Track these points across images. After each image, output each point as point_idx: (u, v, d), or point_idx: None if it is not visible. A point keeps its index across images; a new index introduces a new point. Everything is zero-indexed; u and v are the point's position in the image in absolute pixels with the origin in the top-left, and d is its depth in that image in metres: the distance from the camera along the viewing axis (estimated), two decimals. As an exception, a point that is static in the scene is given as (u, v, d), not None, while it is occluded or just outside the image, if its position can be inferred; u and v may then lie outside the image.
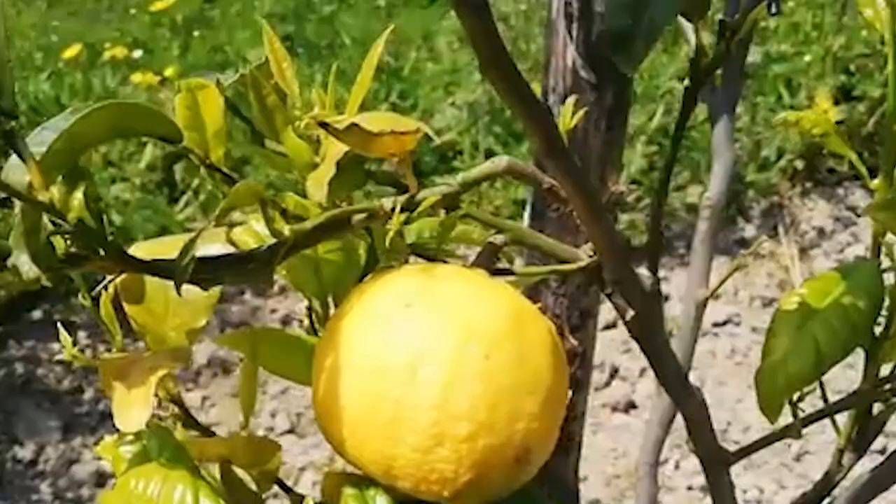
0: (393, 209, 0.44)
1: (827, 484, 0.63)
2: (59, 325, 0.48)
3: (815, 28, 3.12)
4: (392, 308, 0.43)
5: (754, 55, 2.98)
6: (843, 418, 0.62)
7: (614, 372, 2.26)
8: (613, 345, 2.26)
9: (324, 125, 0.41)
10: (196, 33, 3.51)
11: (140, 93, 2.89)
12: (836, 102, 2.95)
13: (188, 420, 0.48)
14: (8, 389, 2.12)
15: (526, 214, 0.89)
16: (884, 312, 0.52)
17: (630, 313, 0.51)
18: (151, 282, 0.46)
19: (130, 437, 0.44)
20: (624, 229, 2.63)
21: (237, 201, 0.39)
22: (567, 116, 0.47)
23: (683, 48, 3.04)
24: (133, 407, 0.39)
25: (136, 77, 2.96)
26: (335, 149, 0.44)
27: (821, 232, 2.72)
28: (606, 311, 2.46)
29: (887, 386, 0.55)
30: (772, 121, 0.55)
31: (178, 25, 3.58)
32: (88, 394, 2.18)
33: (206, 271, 0.42)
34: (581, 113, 0.47)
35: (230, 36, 3.47)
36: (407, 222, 0.45)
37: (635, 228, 2.61)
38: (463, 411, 0.41)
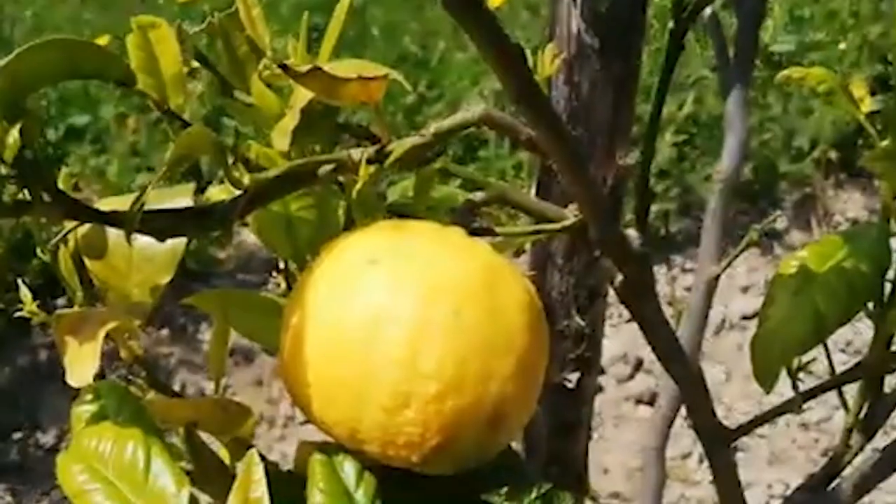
0: (362, 160, 0.42)
1: (834, 466, 0.60)
2: (18, 280, 0.46)
3: (851, 16, 3.05)
4: (357, 264, 0.41)
5: (789, 44, 2.93)
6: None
7: (638, 365, 2.23)
8: (638, 337, 2.23)
9: (284, 68, 0.39)
10: (224, 24, 3.51)
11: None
12: (873, 93, 2.88)
13: (156, 382, 0.46)
14: (32, 376, 2.13)
15: (533, 189, 0.86)
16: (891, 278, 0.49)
17: (619, 277, 0.48)
18: (114, 237, 0.45)
19: (90, 397, 0.42)
20: (653, 220, 2.59)
21: (189, 148, 0.37)
22: (547, 65, 0.45)
23: (715, 37, 2.98)
24: (82, 361, 0.37)
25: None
26: (302, 97, 0.42)
27: (854, 224, 2.66)
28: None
29: (897, 359, 0.52)
30: (777, 78, 0.52)
31: (206, 16, 3.59)
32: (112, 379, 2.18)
33: (164, 223, 0.40)
34: (559, 61, 0.45)
35: (258, 27, 3.46)
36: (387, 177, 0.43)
37: (665, 218, 2.56)
38: (430, 370, 0.39)
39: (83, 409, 0.41)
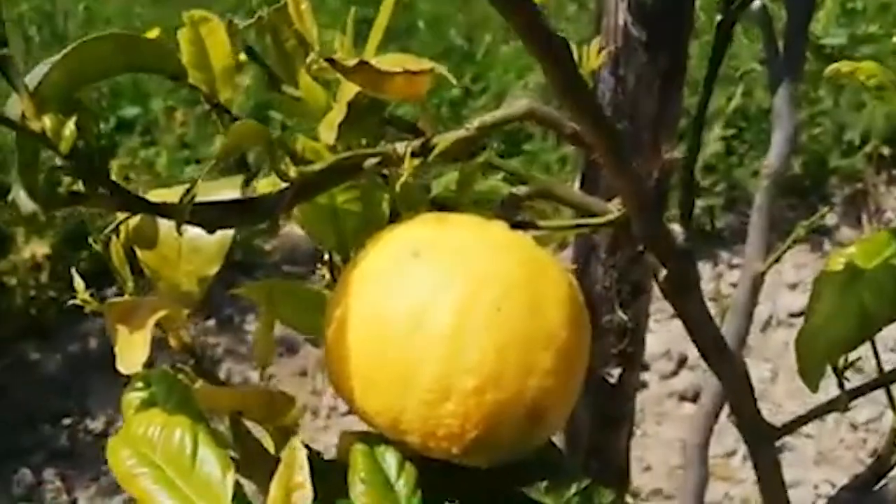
0: (406, 154, 0.43)
1: (882, 465, 0.59)
2: (71, 270, 0.47)
3: (905, 8, 2.99)
4: (399, 257, 0.42)
5: (840, 37, 2.88)
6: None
7: (682, 361, 2.21)
8: (682, 333, 2.20)
9: (331, 62, 0.39)
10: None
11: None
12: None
13: (204, 371, 0.47)
14: (83, 362, 2.17)
15: (577, 183, 0.86)
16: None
17: (662, 272, 0.48)
18: (164, 228, 0.46)
19: (140, 384, 0.43)
20: (699, 215, 2.57)
21: (240, 140, 0.38)
22: (592, 58, 0.45)
23: (764, 30, 2.94)
24: (132, 349, 0.38)
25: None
26: (349, 91, 0.43)
27: (907, 220, 2.61)
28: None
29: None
30: (826, 72, 0.51)
31: (256, 11, 3.62)
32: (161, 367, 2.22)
33: (212, 215, 0.41)
34: (604, 55, 0.44)
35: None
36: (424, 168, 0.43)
37: (711, 214, 2.54)
38: (470, 364, 0.40)
39: (134, 396, 0.42)
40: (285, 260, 2.36)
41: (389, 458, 0.43)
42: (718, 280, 2.47)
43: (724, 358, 0.52)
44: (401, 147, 0.43)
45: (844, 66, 0.49)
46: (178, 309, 0.42)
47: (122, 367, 0.38)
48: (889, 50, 2.85)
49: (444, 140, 0.43)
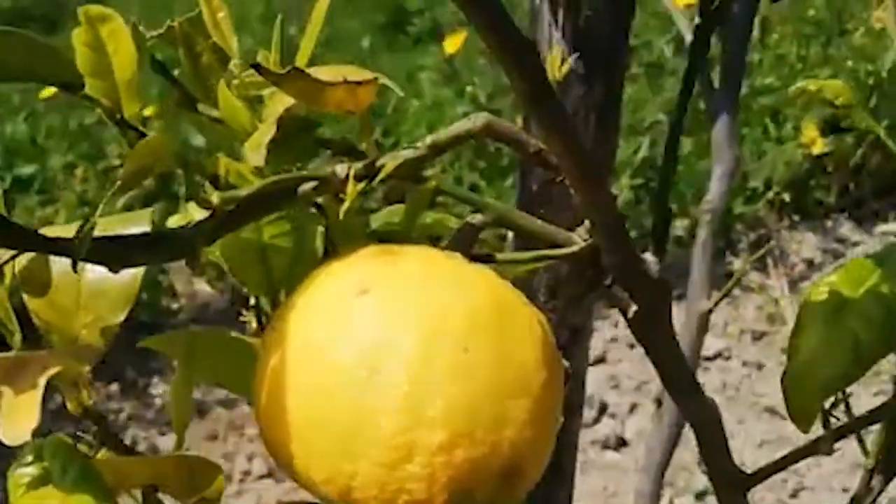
0: (349, 177, 0.37)
1: (857, 510, 0.55)
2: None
3: (799, 60, 3.09)
4: (346, 295, 0.36)
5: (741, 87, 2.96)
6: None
7: (603, 409, 2.17)
8: (601, 381, 2.18)
9: (258, 68, 0.34)
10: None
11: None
12: (824, 135, 2.91)
13: (109, 438, 0.40)
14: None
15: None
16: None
17: (633, 308, 0.43)
18: (59, 271, 0.39)
19: (30, 458, 0.36)
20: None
21: (146, 161, 0.32)
22: (555, 66, 0.40)
23: (668, 80, 3.01)
24: (18, 415, 0.31)
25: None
26: (278, 106, 0.37)
27: (810, 264, 2.67)
28: (593, 346, 2.38)
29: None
30: (790, 91, 0.48)
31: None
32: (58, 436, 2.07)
33: (116, 251, 0.34)
34: (567, 66, 0.40)
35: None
36: (366, 192, 0.38)
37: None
38: (436, 416, 0.34)
39: (23, 473, 0.35)
40: (195, 319, 2.25)
41: (334, 535, 0.36)
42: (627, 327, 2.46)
43: (695, 400, 0.47)
44: (342, 169, 0.37)
45: (811, 84, 0.46)
46: (76, 365, 0.35)
47: (6, 438, 0.31)
48: (784, 100, 2.94)
49: (392, 161, 0.37)
